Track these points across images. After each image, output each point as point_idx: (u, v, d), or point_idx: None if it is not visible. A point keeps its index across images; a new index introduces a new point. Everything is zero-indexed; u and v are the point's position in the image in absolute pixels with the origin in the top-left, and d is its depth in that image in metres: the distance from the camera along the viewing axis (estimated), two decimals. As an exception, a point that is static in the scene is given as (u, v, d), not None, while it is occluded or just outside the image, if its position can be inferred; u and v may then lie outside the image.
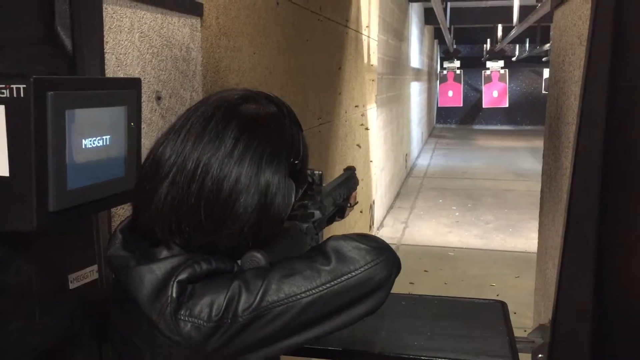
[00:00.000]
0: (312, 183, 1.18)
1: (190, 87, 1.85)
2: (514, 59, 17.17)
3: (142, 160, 1.18)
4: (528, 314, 4.00)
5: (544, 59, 15.54)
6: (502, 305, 1.60)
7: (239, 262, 0.97)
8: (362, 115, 5.33)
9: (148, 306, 0.88)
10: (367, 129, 5.52)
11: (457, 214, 7.86)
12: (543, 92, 16.73)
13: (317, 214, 1.17)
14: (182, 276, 0.88)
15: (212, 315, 0.86)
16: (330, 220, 1.39)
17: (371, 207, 6.10)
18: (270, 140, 0.96)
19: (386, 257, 0.95)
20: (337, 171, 4.28)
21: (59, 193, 0.97)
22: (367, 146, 5.66)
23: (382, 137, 6.90)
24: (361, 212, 5.30)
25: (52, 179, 0.96)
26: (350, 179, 1.51)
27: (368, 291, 0.93)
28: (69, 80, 1.00)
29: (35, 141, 0.92)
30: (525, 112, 19.75)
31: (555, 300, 1.29)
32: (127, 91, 1.13)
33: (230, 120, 0.95)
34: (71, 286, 1.19)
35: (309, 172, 1.18)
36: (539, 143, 12.62)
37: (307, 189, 1.20)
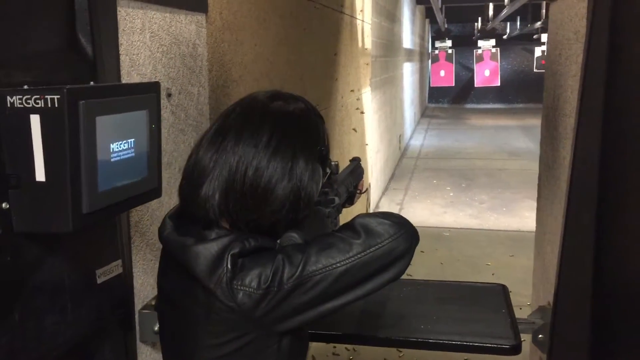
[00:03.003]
0: (330, 172, 1.28)
1: (198, 82, 1.90)
2: (505, 37, 17.18)
3: (162, 158, 1.26)
4: (524, 292, 4.09)
5: (534, 37, 15.56)
6: (503, 288, 1.67)
7: (278, 241, 1.10)
8: (358, 99, 5.37)
9: (206, 278, 1.01)
10: (362, 112, 5.57)
11: (451, 194, 7.94)
12: (534, 70, 16.77)
13: (337, 199, 1.28)
14: (235, 250, 1.01)
15: (261, 283, 0.99)
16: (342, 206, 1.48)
17: (367, 190, 6.18)
18: (301, 132, 1.09)
19: (406, 230, 1.08)
20: (335, 156, 4.34)
21: (91, 195, 1.03)
22: (363, 130, 5.72)
23: (377, 120, 6.95)
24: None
25: (84, 183, 1.02)
26: (357, 169, 1.60)
27: (392, 260, 1.06)
28: (97, 88, 1.06)
29: (69, 148, 0.98)
30: (517, 90, 19.79)
31: (557, 284, 1.37)
32: (148, 95, 1.19)
33: (264, 117, 1.08)
34: (98, 281, 1.25)
35: None
36: (531, 121, 12.68)
37: (327, 177, 1.29)
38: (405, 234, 1.07)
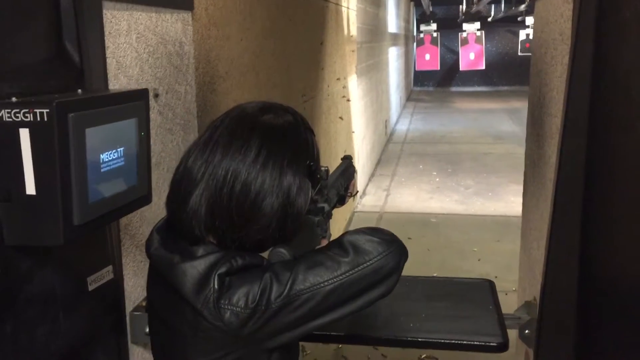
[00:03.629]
0: (320, 178, 1.26)
1: (185, 80, 1.89)
2: (489, 19, 17.18)
3: (152, 164, 1.25)
4: (508, 277, 4.14)
5: (519, 19, 15.58)
6: (490, 284, 1.70)
7: (267, 252, 1.09)
8: (344, 87, 5.37)
9: (192, 297, 1.00)
10: (348, 100, 5.57)
11: (437, 179, 7.99)
12: (519, 53, 16.80)
13: (326, 207, 1.27)
14: (222, 270, 1.00)
15: (249, 303, 0.98)
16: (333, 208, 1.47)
17: (357, 193, 6.19)
18: (289, 146, 1.07)
19: (395, 248, 1.08)
20: (322, 145, 4.35)
21: (82, 207, 1.03)
22: (349, 117, 5.72)
23: (363, 106, 6.96)
24: (345, 183, 5.39)
25: (75, 195, 1.02)
26: (348, 169, 1.59)
27: (381, 278, 1.06)
28: (86, 100, 1.05)
29: (59, 161, 0.98)
30: (502, 73, 19.84)
31: (543, 281, 1.39)
32: (137, 103, 1.19)
33: (253, 130, 1.06)
34: (90, 288, 1.26)
35: None
36: (516, 104, 12.69)
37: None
38: (394, 251, 1.07)
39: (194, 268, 1.00)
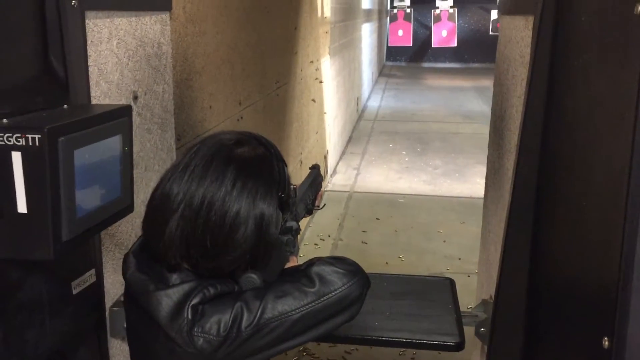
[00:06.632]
0: (290, 205, 1.32)
1: (162, 80, 1.94)
2: (462, -4, 17.26)
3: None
4: (472, 259, 4.29)
5: (491, -2, 15.68)
6: (451, 283, 1.82)
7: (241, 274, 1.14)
8: (317, 69, 5.42)
9: (167, 325, 1.07)
10: (321, 82, 5.62)
11: (406, 159, 8.12)
12: (490, 33, 16.96)
13: (294, 225, 1.33)
14: (195, 301, 1.06)
15: (220, 330, 1.06)
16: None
17: (325, 157, 6.28)
18: (262, 180, 1.13)
19: (359, 279, 1.16)
20: (294, 129, 4.42)
21: (70, 224, 1.10)
22: (321, 99, 5.78)
23: (335, 86, 7.01)
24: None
25: (64, 213, 1.09)
26: (316, 180, 1.64)
27: (345, 306, 1.15)
28: (74, 122, 1.11)
29: (49, 182, 1.05)
30: (473, 50, 19.98)
31: (497, 285, 1.51)
32: (121, 120, 1.25)
33: (228, 163, 1.11)
34: (74, 292, 1.33)
35: None
36: (486, 82, 12.76)
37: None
38: (357, 282, 1.15)
39: (169, 297, 1.06)
